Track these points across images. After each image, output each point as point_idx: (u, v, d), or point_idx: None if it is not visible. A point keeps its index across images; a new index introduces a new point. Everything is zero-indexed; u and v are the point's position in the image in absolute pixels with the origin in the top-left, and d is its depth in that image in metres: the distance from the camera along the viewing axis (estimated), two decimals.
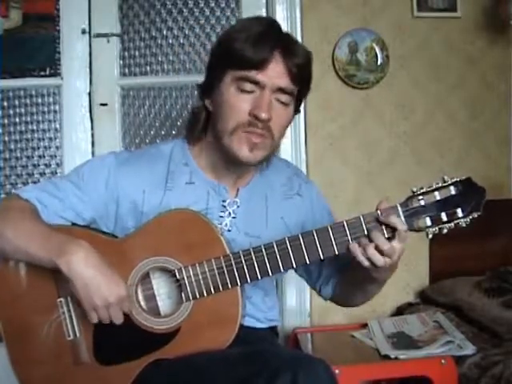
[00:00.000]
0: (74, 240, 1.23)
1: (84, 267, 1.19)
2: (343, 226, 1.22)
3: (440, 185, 1.20)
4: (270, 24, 1.31)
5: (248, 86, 1.27)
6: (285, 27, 2.33)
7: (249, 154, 1.29)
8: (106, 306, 1.21)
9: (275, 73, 1.26)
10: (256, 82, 1.26)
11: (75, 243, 1.22)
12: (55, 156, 2.40)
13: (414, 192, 1.21)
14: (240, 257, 1.24)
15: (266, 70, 1.25)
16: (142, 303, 1.29)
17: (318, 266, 1.46)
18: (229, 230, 1.37)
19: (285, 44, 1.27)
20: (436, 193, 1.19)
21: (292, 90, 1.29)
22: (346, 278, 1.42)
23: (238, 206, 1.39)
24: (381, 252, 1.19)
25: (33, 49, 2.34)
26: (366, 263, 1.20)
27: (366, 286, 1.36)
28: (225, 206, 1.38)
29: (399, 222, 1.18)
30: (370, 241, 1.19)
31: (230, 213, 1.38)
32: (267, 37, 1.26)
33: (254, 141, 1.28)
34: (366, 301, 1.45)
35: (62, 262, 1.20)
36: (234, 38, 1.28)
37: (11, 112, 2.38)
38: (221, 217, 1.37)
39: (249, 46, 1.25)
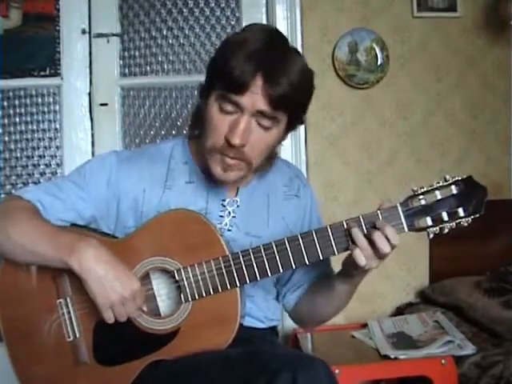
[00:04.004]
0: (83, 238, 1.23)
1: (95, 264, 1.19)
2: (343, 225, 1.22)
3: (441, 184, 1.19)
4: (266, 41, 1.25)
5: (229, 107, 1.24)
6: (285, 27, 2.33)
7: (222, 174, 1.28)
8: (121, 301, 1.20)
9: (254, 96, 1.22)
10: (236, 104, 1.24)
11: (84, 241, 1.21)
12: (55, 156, 2.40)
13: (414, 191, 1.20)
14: (239, 257, 1.24)
15: (245, 93, 1.22)
16: None
17: (291, 270, 1.45)
18: (229, 230, 1.37)
19: (269, 69, 1.21)
20: (437, 192, 1.19)
21: (273, 115, 1.25)
22: (316, 288, 1.43)
23: (238, 206, 1.39)
24: (375, 251, 1.19)
25: (33, 49, 2.34)
26: (366, 246, 1.19)
27: (336, 294, 1.36)
28: (224, 206, 1.38)
29: (391, 232, 1.18)
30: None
31: (229, 212, 1.38)
32: (254, 58, 1.21)
33: (228, 163, 1.27)
34: (326, 318, 1.46)
35: (73, 260, 1.19)
36: (226, 54, 1.24)
37: (11, 112, 2.39)
38: (221, 216, 1.37)
39: (234, 66, 1.21)
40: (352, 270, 1.26)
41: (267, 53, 1.23)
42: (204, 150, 1.30)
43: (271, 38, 1.27)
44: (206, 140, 1.29)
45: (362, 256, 1.19)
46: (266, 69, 1.21)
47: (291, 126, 1.33)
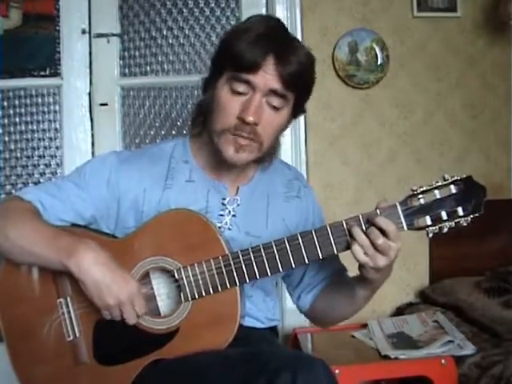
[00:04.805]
0: (82, 240, 1.23)
1: (93, 267, 1.19)
2: (342, 225, 1.21)
3: (440, 183, 1.19)
4: (271, 26, 1.30)
5: (240, 87, 1.27)
6: None
7: (234, 155, 1.29)
8: (118, 304, 1.20)
9: (267, 76, 1.25)
10: (248, 82, 1.26)
11: (83, 243, 1.22)
12: (55, 156, 2.40)
13: (413, 191, 1.20)
14: (239, 257, 1.24)
15: (257, 72, 1.25)
16: None
17: (301, 271, 1.46)
18: (229, 229, 1.37)
19: (279, 49, 1.26)
20: (436, 191, 1.19)
21: (284, 94, 1.28)
22: (334, 291, 1.42)
23: (238, 205, 1.39)
24: (376, 248, 1.18)
25: (33, 49, 2.34)
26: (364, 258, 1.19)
27: (356, 300, 1.35)
28: (224, 205, 1.38)
29: (385, 222, 1.17)
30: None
31: (229, 211, 1.38)
32: (263, 40, 1.25)
33: (241, 143, 1.28)
34: (344, 318, 1.45)
35: (72, 263, 1.20)
36: (234, 38, 1.29)
37: (11, 112, 2.39)
38: (221, 215, 1.37)
39: (244, 48, 1.25)
40: (367, 274, 1.24)
41: (274, 36, 1.28)
42: (213, 134, 1.31)
43: (275, 25, 1.32)
44: (216, 123, 1.30)
45: (360, 252, 1.19)
46: (277, 49, 1.25)
47: (295, 111, 1.36)
